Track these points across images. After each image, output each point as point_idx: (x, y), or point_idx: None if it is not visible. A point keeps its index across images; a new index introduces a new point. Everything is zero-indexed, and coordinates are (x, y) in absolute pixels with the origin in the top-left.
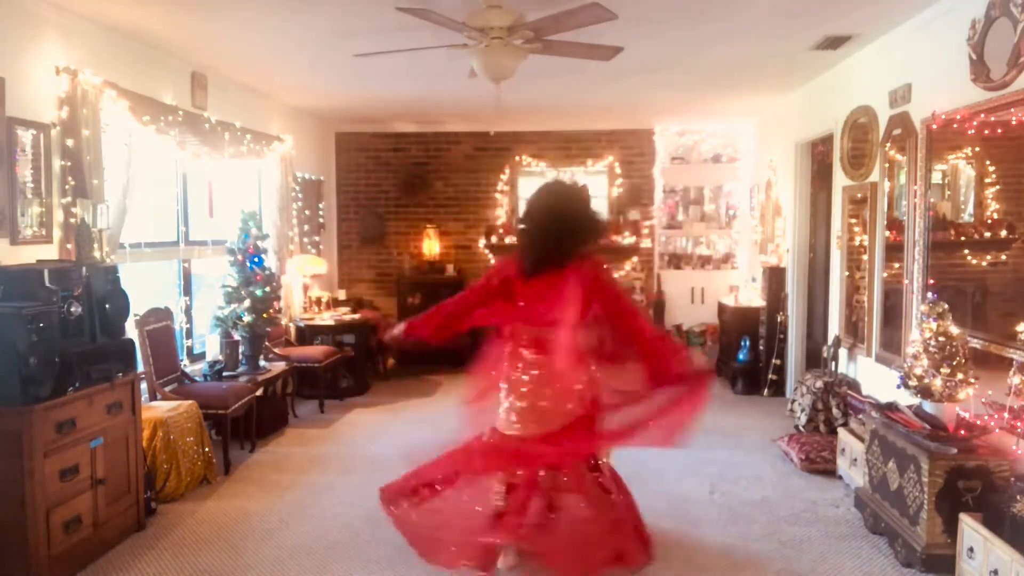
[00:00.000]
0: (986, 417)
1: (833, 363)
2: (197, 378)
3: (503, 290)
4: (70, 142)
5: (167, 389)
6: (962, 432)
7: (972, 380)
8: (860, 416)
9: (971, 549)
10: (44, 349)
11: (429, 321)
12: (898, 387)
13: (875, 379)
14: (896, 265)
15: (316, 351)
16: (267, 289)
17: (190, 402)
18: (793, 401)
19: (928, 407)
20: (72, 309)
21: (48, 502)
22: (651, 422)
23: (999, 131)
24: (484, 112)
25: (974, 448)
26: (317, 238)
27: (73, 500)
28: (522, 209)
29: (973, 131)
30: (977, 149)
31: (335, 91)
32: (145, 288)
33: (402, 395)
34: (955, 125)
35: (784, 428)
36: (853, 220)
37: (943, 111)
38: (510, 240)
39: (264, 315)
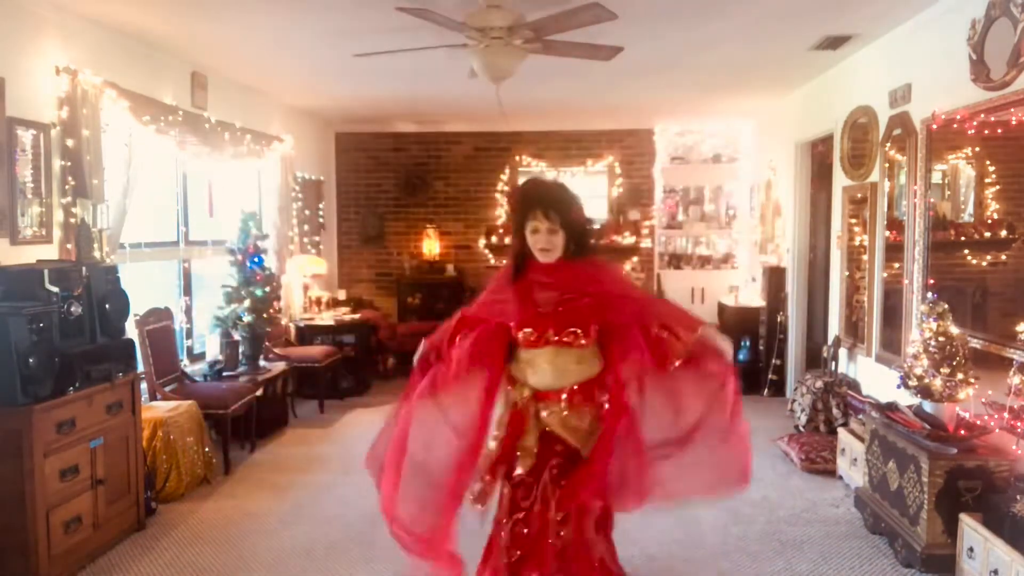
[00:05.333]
0: (986, 417)
1: (833, 363)
2: (197, 378)
3: None
4: (70, 142)
5: (167, 389)
6: (962, 432)
7: (972, 380)
8: (860, 416)
9: (971, 549)
10: (44, 349)
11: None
12: (898, 387)
13: (875, 379)
14: (896, 265)
15: (316, 351)
16: (267, 289)
17: (190, 402)
18: (793, 401)
19: (928, 407)
20: (72, 309)
21: (48, 502)
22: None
23: (999, 131)
24: (484, 112)
25: (974, 448)
26: (317, 238)
27: (73, 500)
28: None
29: (973, 131)
30: (977, 149)
31: (335, 91)
32: (145, 288)
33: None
34: (955, 125)
35: (784, 428)
36: (853, 220)
37: (943, 111)
38: (510, 240)
39: (264, 315)
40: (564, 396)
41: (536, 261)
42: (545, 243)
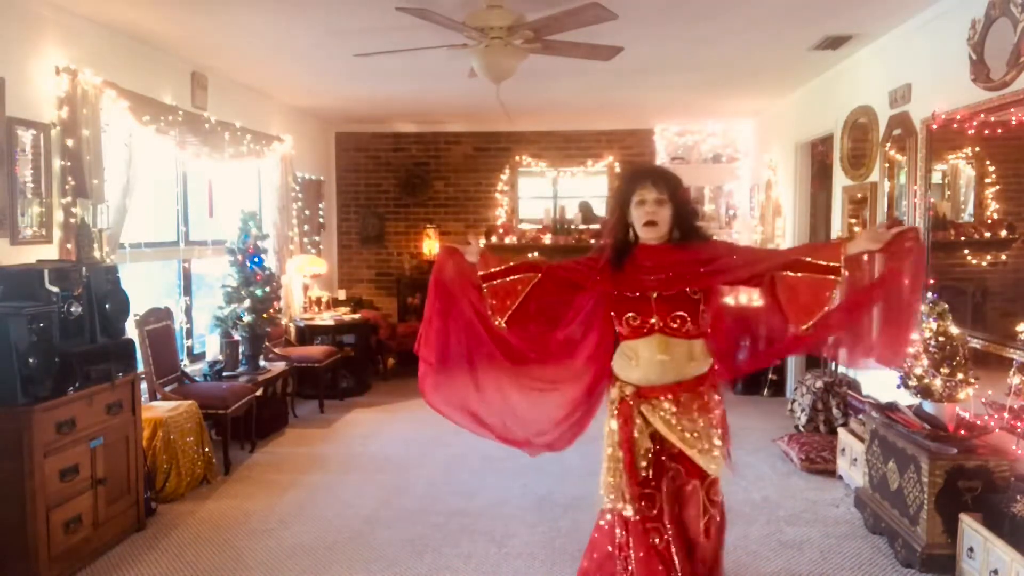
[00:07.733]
0: (986, 417)
1: (833, 363)
2: (197, 378)
3: None
4: (70, 142)
5: (167, 389)
6: (962, 432)
7: (972, 380)
8: (860, 416)
9: (971, 549)
10: (44, 349)
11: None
12: (898, 387)
13: (875, 379)
14: None
15: (316, 351)
16: (267, 289)
17: (190, 402)
18: (793, 401)
19: (928, 407)
20: (72, 309)
21: (48, 502)
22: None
23: (999, 131)
24: (484, 112)
25: (974, 448)
26: (317, 238)
27: (73, 500)
28: (525, 208)
29: (973, 131)
30: (977, 149)
31: (335, 91)
32: (145, 288)
33: (402, 395)
34: (955, 125)
35: (784, 428)
36: (853, 220)
37: (943, 111)
38: (510, 240)
39: (264, 315)
40: (669, 395)
41: (639, 247)
42: (651, 214)
